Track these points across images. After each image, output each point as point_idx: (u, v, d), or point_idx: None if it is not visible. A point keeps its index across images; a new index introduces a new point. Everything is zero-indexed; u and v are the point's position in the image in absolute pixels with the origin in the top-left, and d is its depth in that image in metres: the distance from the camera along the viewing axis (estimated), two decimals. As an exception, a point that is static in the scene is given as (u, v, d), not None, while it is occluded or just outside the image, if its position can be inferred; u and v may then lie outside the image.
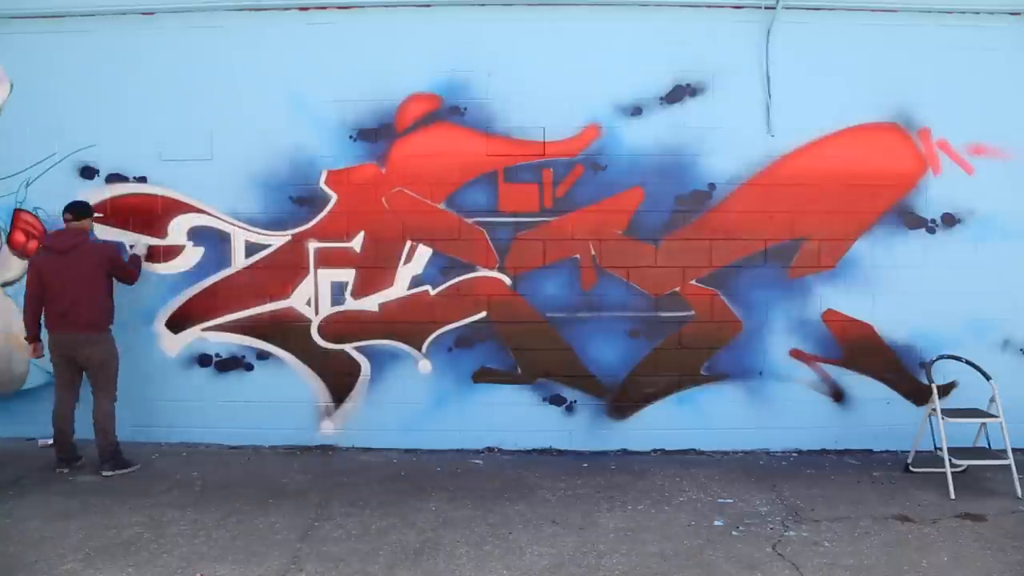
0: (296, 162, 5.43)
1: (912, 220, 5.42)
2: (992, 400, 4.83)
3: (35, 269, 5.00)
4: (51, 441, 5.26)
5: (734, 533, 4.12)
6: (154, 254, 5.53)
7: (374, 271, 5.48)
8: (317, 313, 5.52)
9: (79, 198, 5.21)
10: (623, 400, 5.53)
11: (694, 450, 5.54)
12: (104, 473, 4.96)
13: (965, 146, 5.38)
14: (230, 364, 5.58)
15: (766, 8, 5.27)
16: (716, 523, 4.26)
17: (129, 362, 5.51)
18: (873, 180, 5.38)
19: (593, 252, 5.44)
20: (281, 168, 5.44)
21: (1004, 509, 4.45)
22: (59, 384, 5.06)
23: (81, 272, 4.93)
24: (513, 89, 5.35)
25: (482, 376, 5.52)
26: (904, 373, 5.49)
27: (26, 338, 5.07)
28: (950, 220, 5.42)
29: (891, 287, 5.41)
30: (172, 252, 5.53)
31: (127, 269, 5.21)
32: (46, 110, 5.47)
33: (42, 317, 5.02)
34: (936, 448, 4.85)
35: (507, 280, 5.46)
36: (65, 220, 5.08)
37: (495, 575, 3.64)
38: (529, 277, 5.46)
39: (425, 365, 5.52)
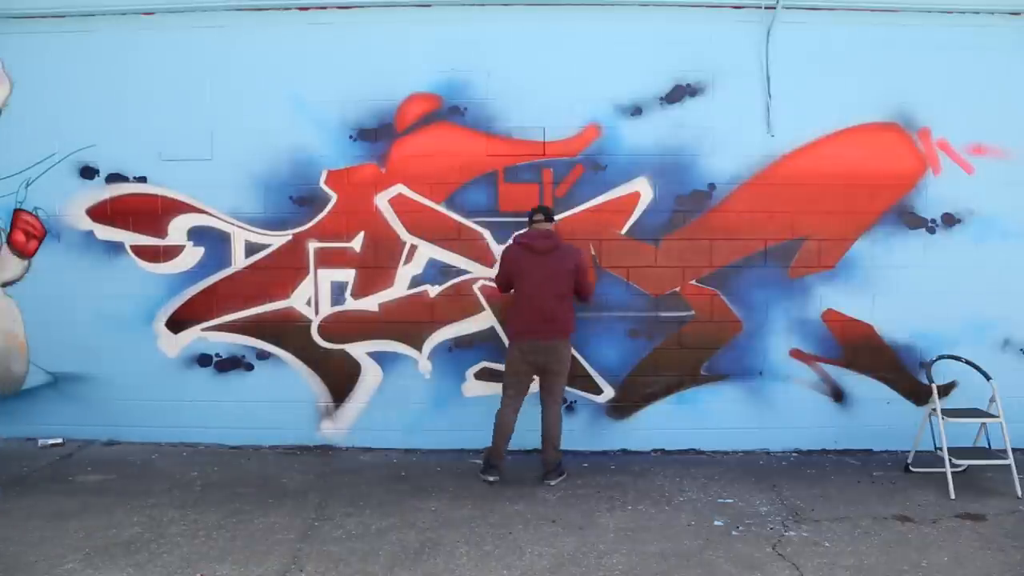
0: (296, 162, 5.43)
1: (912, 220, 5.42)
2: (992, 400, 4.83)
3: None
4: (51, 441, 5.23)
5: (734, 533, 4.12)
6: (154, 254, 5.53)
7: (374, 271, 5.48)
8: (317, 313, 5.52)
9: (78, 198, 5.21)
10: (623, 400, 5.53)
11: (694, 450, 5.54)
12: (550, 483, 4.85)
13: (965, 146, 5.38)
14: (230, 364, 5.58)
15: (766, 8, 5.26)
16: (716, 523, 4.26)
17: (129, 362, 5.53)
18: (873, 180, 5.38)
19: (593, 252, 5.43)
20: (281, 168, 5.43)
21: (1004, 509, 4.46)
22: (516, 393, 4.89)
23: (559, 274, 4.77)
24: (513, 89, 5.35)
25: (482, 376, 5.52)
26: (904, 373, 5.49)
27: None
28: (950, 220, 5.42)
29: (891, 287, 5.41)
30: (172, 252, 5.52)
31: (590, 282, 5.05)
32: (46, 110, 5.46)
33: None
34: (936, 448, 4.86)
35: (507, 280, 5.47)
36: (536, 222, 4.87)
37: (495, 575, 3.64)
38: (529, 277, 5.45)
39: (425, 365, 5.51)
